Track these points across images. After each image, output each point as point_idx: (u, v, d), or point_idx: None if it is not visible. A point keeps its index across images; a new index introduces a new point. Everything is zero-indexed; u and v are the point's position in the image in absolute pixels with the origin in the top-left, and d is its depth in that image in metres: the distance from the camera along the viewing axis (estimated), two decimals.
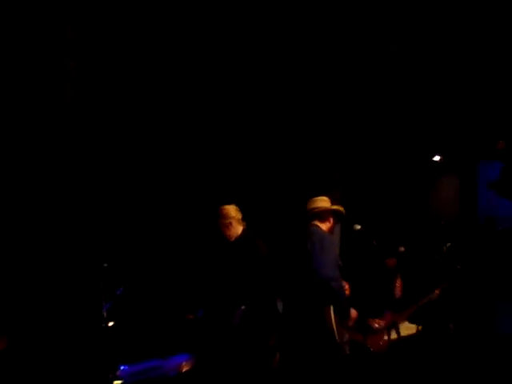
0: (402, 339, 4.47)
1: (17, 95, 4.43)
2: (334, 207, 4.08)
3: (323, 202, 4.08)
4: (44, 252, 4.51)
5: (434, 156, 6.59)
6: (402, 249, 5.07)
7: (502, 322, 5.60)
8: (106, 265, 4.13)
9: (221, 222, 4.00)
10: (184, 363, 3.75)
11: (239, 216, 4.06)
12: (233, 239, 4.04)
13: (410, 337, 4.62)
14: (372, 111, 6.07)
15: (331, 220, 4.07)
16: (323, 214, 4.04)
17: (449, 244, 5.00)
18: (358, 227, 4.46)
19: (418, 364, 4.54)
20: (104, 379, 3.56)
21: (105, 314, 3.85)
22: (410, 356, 4.53)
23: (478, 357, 4.89)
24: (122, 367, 3.75)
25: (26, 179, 4.45)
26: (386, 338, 4.45)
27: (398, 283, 5.08)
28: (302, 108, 5.95)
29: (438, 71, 5.62)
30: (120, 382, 3.51)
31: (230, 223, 3.99)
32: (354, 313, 3.94)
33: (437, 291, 4.70)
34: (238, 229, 4.03)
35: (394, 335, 4.50)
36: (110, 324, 3.68)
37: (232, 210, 4.03)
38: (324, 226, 4.04)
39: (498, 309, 5.69)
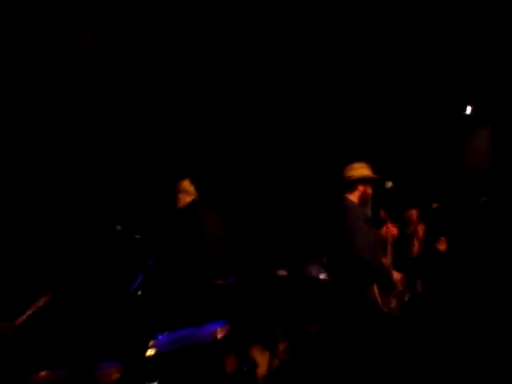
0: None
1: (34, 64, 4.39)
2: (360, 174, 3.88)
3: (352, 171, 3.91)
4: (79, 225, 4.56)
5: (465, 109, 6.35)
6: (435, 205, 4.93)
7: None
8: (138, 236, 4.15)
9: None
10: (219, 330, 3.73)
11: (190, 189, 4.67)
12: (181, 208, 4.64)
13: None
14: (399, 64, 5.89)
15: (360, 189, 3.90)
16: (351, 184, 3.90)
17: (484, 198, 4.85)
18: (390, 184, 4.33)
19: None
20: (141, 347, 3.57)
21: (140, 284, 3.86)
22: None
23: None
24: (159, 336, 3.77)
25: (48, 150, 4.48)
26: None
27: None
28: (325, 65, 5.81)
29: (468, 22, 5.39)
30: (154, 350, 3.51)
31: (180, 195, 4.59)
32: (397, 276, 3.91)
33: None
34: (186, 199, 4.62)
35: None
36: (139, 293, 3.67)
37: (185, 184, 4.66)
38: (354, 197, 3.89)
39: None
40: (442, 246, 4.58)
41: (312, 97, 6.10)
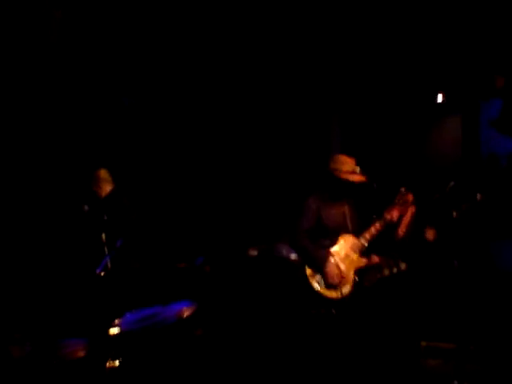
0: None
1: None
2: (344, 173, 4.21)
3: (338, 165, 4.26)
4: (46, 205, 4.54)
5: (435, 97, 6.43)
6: (403, 189, 5.00)
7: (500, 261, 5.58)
8: (106, 217, 4.15)
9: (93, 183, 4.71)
10: (185, 309, 3.78)
11: (109, 177, 4.79)
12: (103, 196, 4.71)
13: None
14: (370, 52, 5.90)
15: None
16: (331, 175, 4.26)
17: (452, 183, 4.92)
18: (358, 170, 4.39)
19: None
20: (106, 325, 3.60)
21: (108, 265, 3.88)
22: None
23: (479, 293, 4.90)
24: (127, 314, 3.81)
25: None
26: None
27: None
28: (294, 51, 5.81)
29: (438, 9, 5.42)
30: (119, 328, 3.55)
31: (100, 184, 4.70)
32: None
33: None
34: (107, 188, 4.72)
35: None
36: (106, 273, 3.70)
37: (103, 173, 4.77)
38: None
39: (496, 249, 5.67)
40: (430, 236, 4.66)
41: (282, 83, 6.09)
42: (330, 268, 4.14)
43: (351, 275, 4.19)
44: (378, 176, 4.77)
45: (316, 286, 4.18)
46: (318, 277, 4.19)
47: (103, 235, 4.07)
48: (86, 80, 5.13)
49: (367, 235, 4.23)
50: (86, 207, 4.30)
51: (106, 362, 3.51)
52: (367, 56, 5.97)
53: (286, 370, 4.13)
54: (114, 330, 3.55)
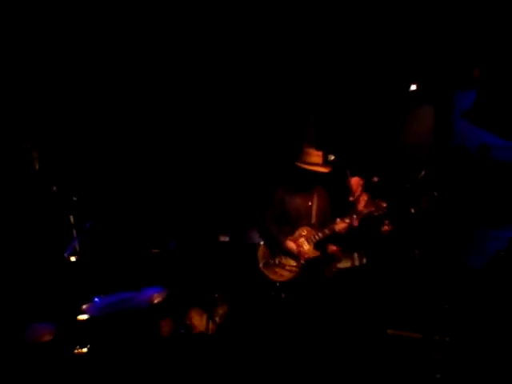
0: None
1: None
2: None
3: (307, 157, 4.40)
4: (12, 188, 4.41)
5: (409, 86, 6.45)
6: (376, 179, 5.04)
7: (466, 255, 5.71)
8: (75, 198, 4.05)
9: None
10: (155, 295, 3.74)
11: None
12: None
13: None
14: (345, 41, 5.88)
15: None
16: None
17: (423, 172, 4.97)
18: (332, 158, 4.42)
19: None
20: (74, 310, 3.54)
21: (77, 248, 3.80)
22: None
23: (442, 286, 5.00)
24: (95, 299, 3.75)
25: None
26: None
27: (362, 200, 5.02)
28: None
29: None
30: (88, 313, 3.49)
31: None
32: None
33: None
34: None
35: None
36: (75, 256, 3.63)
37: None
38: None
39: (462, 241, 5.79)
40: (385, 228, 4.73)
41: (256, 74, 6.07)
42: (287, 245, 4.32)
43: (296, 263, 4.31)
44: (352, 165, 4.81)
45: (261, 265, 4.36)
46: (269, 257, 4.37)
47: (71, 217, 3.98)
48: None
49: (326, 230, 4.35)
50: (55, 188, 4.18)
51: (74, 347, 3.46)
52: (341, 45, 5.94)
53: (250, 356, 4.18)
54: (82, 316, 3.48)
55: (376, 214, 4.40)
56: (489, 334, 4.28)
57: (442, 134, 6.57)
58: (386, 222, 4.75)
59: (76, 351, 3.42)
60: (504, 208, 5.76)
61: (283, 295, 4.26)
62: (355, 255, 4.69)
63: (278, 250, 4.35)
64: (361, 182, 5.10)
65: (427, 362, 4.00)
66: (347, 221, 4.33)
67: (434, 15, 5.57)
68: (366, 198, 5.01)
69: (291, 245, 4.31)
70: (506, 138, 6.08)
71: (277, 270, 4.33)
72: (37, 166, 4.64)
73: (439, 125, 6.61)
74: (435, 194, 4.54)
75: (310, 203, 4.46)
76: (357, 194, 5.02)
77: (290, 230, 4.41)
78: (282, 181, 4.59)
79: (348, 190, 4.93)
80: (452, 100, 6.57)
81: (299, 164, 4.37)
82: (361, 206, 4.90)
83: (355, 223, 4.33)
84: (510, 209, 5.73)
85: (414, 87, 6.39)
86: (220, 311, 4.63)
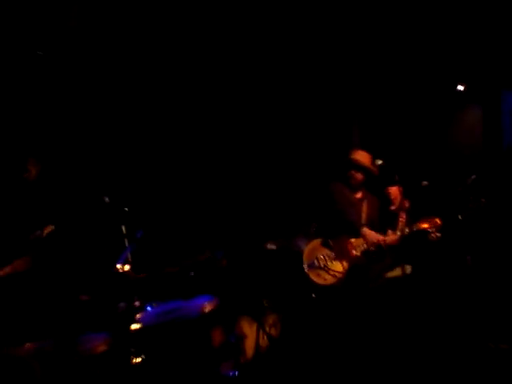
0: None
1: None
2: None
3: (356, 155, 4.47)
4: (67, 197, 4.51)
5: (456, 86, 6.31)
6: (425, 183, 4.92)
7: None
8: (126, 209, 4.11)
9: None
10: (206, 304, 3.75)
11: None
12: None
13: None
14: (390, 42, 5.81)
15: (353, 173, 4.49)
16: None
17: (474, 176, 4.84)
18: (380, 162, 4.38)
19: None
20: (128, 320, 3.58)
21: (129, 257, 3.85)
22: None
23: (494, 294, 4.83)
24: (147, 308, 3.79)
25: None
26: None
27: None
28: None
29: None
30: (141, 323, 3.52)
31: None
32: None
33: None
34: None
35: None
36: (127, 265, 3.67)
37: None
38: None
39: None
40: (432, 236, 4.59)
41: (300, 80, 6.08)
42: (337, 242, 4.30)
43: (342, 268, 4.23)
44: (400, 168, 4.73)
45: (305, 267, 4.33)
46: (314, 258, 4.33)
47: (123, 227, 4.03)
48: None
49: (377, 242, 4.27)
50: (107, 199, 4.25)
51: (128, 357, 3.48)
52: (387, 48, 5.88)
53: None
54: (135, 325, 3.51)
55: (431, 231, 4.29)
56: None
57: (492, 134, 6.40)
58: (433, 229, 4.63)
59: (131, 361, 3.44)
60: None
61: (313, 295, 4.20)
62: (407, 266, 4.59)
63: (324, 248, 4.30)
64: (400, 190, 4.98)
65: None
66: (399, 233, 4.23)
67: (479, 15, 5.47)
68: (407, 205, 4.82)
69: (341, 243, 4.27)
70: None
71: (320, 273, 4.28)
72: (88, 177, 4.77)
73: (488, 125, 6.45)
74: (483, 200, 4.40)
75: (360, 210, 4.41)
76: (397, 202, 4.90)
77: (339, 235, 4.35)
78: (331, 184, 4.57)
79: (387, 199, 4.88)
80: (500, 100, 6.41)
81: (355, 162, 4.39)
82: (403, 215, 4.71)
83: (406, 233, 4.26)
84: None
85: (461, 88, 6.27)
86: (270, 320, 4.59)
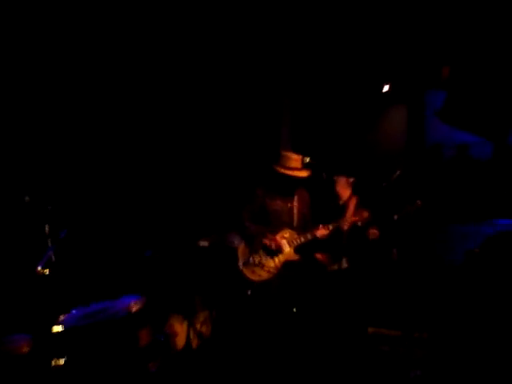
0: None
1: None
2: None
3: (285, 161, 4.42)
4: None
5: (382, 86, 6.51)
6: (351, 180, 5.07)
7: (441, 252, 5.79)
8: (50, 207, 3.98)
9: None
10: (133, 303, 3.69)
11: None
12: None
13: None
14: (318, 43, 5.90)
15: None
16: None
17: (398, 172, 5.01)
18: (307, 160, 4.46)
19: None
20: (51, 322, 3.48)
21: (52, 257, 3.73)
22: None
23: (419, 285, 5.05)
24: (73, 311, 3.70)
25: None
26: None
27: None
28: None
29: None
30: (65, 324, 3.43)
31: None
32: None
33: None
34: None
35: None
36: (50, 266, 3.56)
37: None
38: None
39: (438, 238, 5.87)
40: (373, 235, 4.74)
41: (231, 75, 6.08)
42: (266, 240, 4.35)
43: (277, 264, 4.33)
44: (328, 167, 4.83)
45: (240, 264, 4.38)
46: (248, 256, 4.38)
47: (46, 226, 3.89)
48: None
49: (308, 235, 4.37)
50: (27, 198, 4.09)
51: (51, 359, 3.39)
52: (315, 47, 5.96)
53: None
54: (57, 327, 3.42)
55: (360, 224, 4.47)
56: (467, 331, 4.34)
57: (416, 133, 6.66)
58: (374, 228, 4.77)
59: (53, 363, 3.35)
60: (481, 204, 5.84)
61: (249, 292, 4.27)
62: (343, 260, 4.72)
63: (257, 247, 4.35)
64: (349, 182, 5.06)
65: (408, 359, 4.02)
66: (330, 227, 4.34)
67: (403, 15, 5.62)
68: (355, 202, 4.95)
69: (271, 240, 4.33)
70: (479, 135, 6.17)
71: (255, 269, 4.34)
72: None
73: (412, 124, 6.69)
74: (419, 202, 4.57)
75: (290, 206, 4.46)
76: (345, 197, 5.02)
77: (271, 231, 4.41)
78: (262, 182, 4.59)
79: (335, 194, 4.98)
80: (423, 99, 6.66)
81: (279, 169, 4.38)
82: (350, 210, 4.84)
83: (345, 228, 4.41)
84: (488, 205, 5.81)
85: (386, 88, 6.46)
86: (201, 318, 4.59)
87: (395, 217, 4.51)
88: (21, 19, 4.46)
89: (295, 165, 4.38)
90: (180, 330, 4.44)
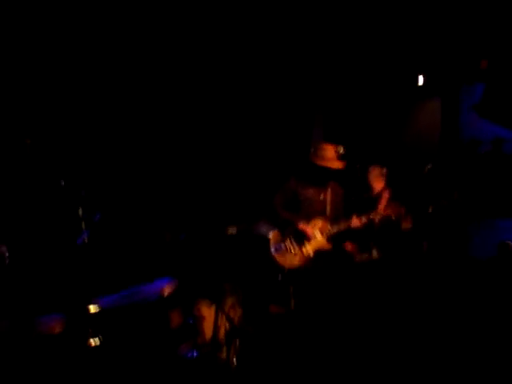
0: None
1: None
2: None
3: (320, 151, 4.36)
4: (24, 179, 4.42)
5: (416, 79, 6.42)
6: (384, 170, 5.03)
7: (473, 246, 5.72)
8: (84, 191, 4.05)
9: None
10: (165, 286, 3.74)
11: None
12: None
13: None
14: (351, 36, 5.85)
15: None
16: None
17: (430, 165, 4.96)
18: (341, 150, 4.43)
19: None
20: (85, 302, 3.54)
21: (86, 240, 3.79)
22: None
23: (448, 279, 4.98)
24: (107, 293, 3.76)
25: None
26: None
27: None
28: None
29: None
30: (99, 306, 3.49)
31: None
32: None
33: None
34: None
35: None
36: (85, 248, 3.62)
37: None
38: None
39: (470, 232, 5.79)
40: (406, 225, 4.71)
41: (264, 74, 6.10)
42: (302, 226, 4.35)
43: (309, 252, 4.31)
44: (361, 158, 4.81)
45: (272, 250, 4.40)
46: (281, 242, 4.40)
47: (80, 210, 3.96)
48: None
49: (341, 225, 4.35)
50: (63, 182, 4.17)
51: (85, 339, 3.45)
52: (349, 40, 5.91)
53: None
54: (93, 308, 3.48)
55: (394, 218, 4.41)
56: (492, 326, 4.28)
57: (450, 127, 6.56)
58: (407, 220, 4.74)
59: (88, 343, 3.41)
60: None
61: (280, 278, 4.28)
62: (374, 251, 4.70)
63: (289, 233, 4.36)
64: (383, 172, 5.04)
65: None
66: (364, 220, 4.32)
67: (440, 8, 5.54)
68: (388, 194, 4.91)
69: (304, 226, 4.33)
70: None
71: (287, 256, 4.35)
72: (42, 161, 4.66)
73: (446, 118, 6.60)
74: (455, 195, 4.52)
75: (323, 197, 4.45)
76: (377, 189, 5.00)
77: (303, 219, 4.41)
78: (295, 173, 4.58)
79: (368, 185, 4.95)
80: (459, 93, 6.56)
81: (314, 159, 4.36)
82: (383, 203, 4.80)
83: (376, 222, 4.36)
84: None
85: (421, 80, 6.38)
86: (229, 302, 4.62)
87: (430, 209, 4.45)
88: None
89: (331, 155, 4.35)
90: (207, 314, 4.47)
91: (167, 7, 4.94)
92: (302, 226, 4.34)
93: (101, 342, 3.42)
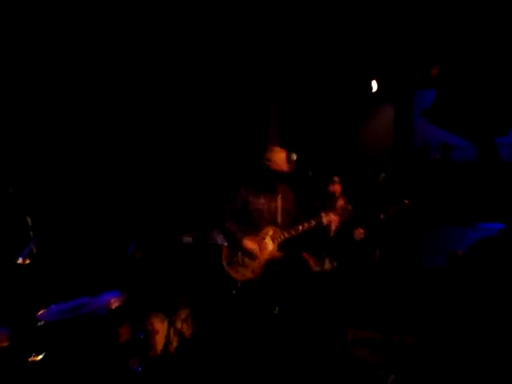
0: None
1: None
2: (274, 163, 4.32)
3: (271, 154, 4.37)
4: None
5: (370, 85, 6.49)
6: (337, 179, 5.08)
7: (424, 255, 5.83)
8: (32, 198, 3.92)
9: None
10: (113, 300, 3.65)
11: None
12: None
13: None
14: (305, 41, 5.87)
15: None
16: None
17: (383, 174, 5.00)
18: (295, 157, 4.42)
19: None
20: (30, 316, 3.43)
21: (34, 250, 3.67)
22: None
23: (399, 288, 5.06)
24: (52, 306, 3.64)
25: None
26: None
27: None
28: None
29: None
30: (44, 319, 3.38)
31: None
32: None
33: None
34: None
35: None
36: (30, 260, 3.50)
37: None
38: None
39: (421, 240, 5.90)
40: (359, 235, 4.74)
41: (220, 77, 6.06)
42: (246, 244, 4.28)
43: (260, 262, 4.29)
44: (314, 165, 4.82)
45: (225, 264, 4.33)
46: (232, 256, 4.33)
47: (28, 218, 3.83)
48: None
49: (292, 231, 4.33)
50: (11, 189, 4.03)
51: (30, 353, 3.35)
52: (303, 45, 5.92)
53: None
54: (38, 322, 3.37)
55: (345, 218, 4.42)
56: (448, 333, 4.36)
57: (403, 133, 6.66)
58: (360, 228, 4.79)
59: (31, 358, 3.31)
60: (465, 207, 5.87)
61: (234, 292, 4.24)
62: (326, 260, 4.72)
63: (237, 248, 4.32)
64: (337, 180, 5.14)
65: (387, 362, 4.03)
66: (312, 222, 4.33)
67: (392, 14, 5.60)
68: (342, 203, 4.94)
69: (250, 244, 4.28)
70: (465, 137, 6.20)
71: (239, 269, 4.31)
72: None
73: (399, 124, 6.70)
74: (406, 202, 4.57)
75: (274, 204, 4.43)
76: (333, 194, 5.10)
77: (253, 230, 4.37)
78: (245, 180, 4.54)
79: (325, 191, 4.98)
80: (412, 99, 6.67)
81: (265, 163, 4.34)
82: (335, 207, 4.80)
83: (325, 223, 4.34)
84: (472, 207, 5.85)
85: (375, 86, 6.44)
86: (182, 316, 4.55)
87: (381, 216, 4.49)
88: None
89: (279, 158, 4.35)
90: (160, 328, 4.39)
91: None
92: (245, 243, 4.29)
93: (45, 356, 3.32)
